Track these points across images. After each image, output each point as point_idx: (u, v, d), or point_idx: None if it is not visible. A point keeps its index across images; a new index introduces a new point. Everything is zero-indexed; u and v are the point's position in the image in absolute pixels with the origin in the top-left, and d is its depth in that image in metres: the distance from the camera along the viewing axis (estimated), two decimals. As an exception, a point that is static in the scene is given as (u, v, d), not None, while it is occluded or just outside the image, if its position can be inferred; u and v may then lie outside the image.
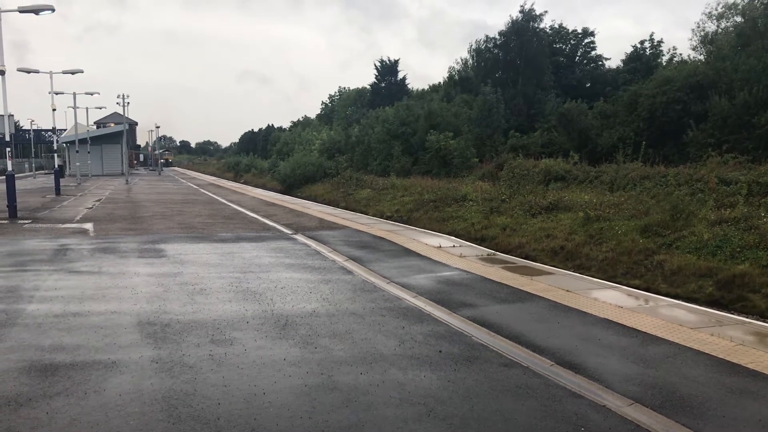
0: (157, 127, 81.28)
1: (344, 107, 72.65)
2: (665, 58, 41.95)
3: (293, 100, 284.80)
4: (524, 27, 45.38)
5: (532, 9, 46.06)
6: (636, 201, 15.99)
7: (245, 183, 52.84)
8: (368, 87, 70.20)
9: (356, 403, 5.21)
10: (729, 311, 9.25)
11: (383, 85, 66.05)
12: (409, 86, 66.04)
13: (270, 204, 26.71)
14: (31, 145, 77.34)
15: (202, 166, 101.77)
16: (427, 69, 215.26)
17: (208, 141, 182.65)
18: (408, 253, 13.18)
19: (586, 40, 51.75)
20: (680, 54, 41.07)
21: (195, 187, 41.29)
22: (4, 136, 19.54)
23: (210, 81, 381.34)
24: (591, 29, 51.65)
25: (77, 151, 47.54)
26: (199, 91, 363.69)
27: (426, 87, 60.26)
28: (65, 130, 68.21)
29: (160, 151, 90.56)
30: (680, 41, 76.46)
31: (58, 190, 32.45)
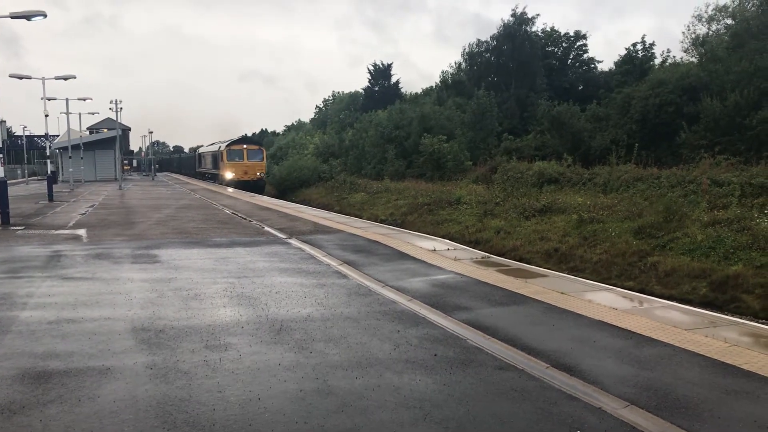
0: (150, 133, 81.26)
1: (338, 111, 72.75)
2: (658, 60, 42.23)
3: (297, 102, 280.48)
4: (516, 31, 45.59)
5: (524, 12, 46.30)
6: (629, 203, 16.08)
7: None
8: (361, 91, 70.32)
9: (352, 408, 5.20)
10: (723, 312, 9.29)
11: (376, 88, 66.17)
12: (403, 90, 66.20)
13: (264, 208, 26.66)
14: (24, 152, 76.88)
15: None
16: (441, 66, 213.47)
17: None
18: (402, 256, 13.18)
19: (578, 43, 52.00)
20: (673, 56, 41.35)
21: (188, 191, 41.15)
22: (-4, 142, 19.41)
23: (208, 83, 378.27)
24: (583, 32, 51.97)
25: (70, 157, 47.33)
26: (195, 94, 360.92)
27: (419, 90, 60.42)
28: (58, 136, 67.92)
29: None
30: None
31: (50, 197, 32.29)
